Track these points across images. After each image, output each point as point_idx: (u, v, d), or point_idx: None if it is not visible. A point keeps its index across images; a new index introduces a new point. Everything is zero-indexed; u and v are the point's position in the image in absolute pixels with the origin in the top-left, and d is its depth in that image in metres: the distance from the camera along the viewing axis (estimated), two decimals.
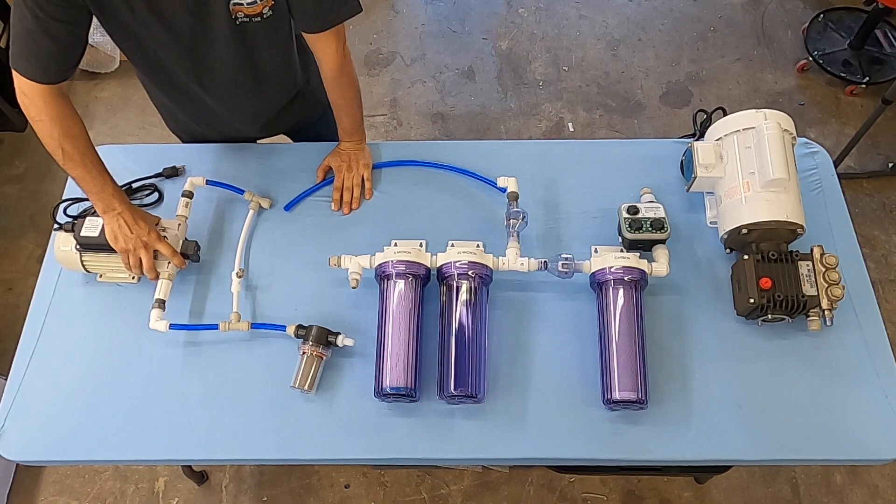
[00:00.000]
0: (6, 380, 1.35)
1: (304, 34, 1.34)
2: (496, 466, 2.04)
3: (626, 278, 1.30)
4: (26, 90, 1.22)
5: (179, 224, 1.40)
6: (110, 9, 1.19)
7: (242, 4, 1.22)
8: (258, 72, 1.41)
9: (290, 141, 1.78)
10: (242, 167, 1.58)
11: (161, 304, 1.34)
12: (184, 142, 1.70)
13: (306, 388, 1.28)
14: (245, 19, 1.25)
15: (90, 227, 1.34)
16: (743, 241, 1.35)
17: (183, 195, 1.46)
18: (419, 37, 3.11)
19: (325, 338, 1.29)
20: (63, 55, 1.20)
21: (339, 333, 1.31)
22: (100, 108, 2.90)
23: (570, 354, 1.34)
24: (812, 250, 1.32)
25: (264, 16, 1.26)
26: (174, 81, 1.40)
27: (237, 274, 1.40)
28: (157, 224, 1.37)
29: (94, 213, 1.35)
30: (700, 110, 1.59)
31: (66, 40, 1.19)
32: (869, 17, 2.77)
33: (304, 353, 1.29)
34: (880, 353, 1.33)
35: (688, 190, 1.46)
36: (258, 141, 1.70)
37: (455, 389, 1.24)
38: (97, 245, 1.34)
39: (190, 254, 1.39)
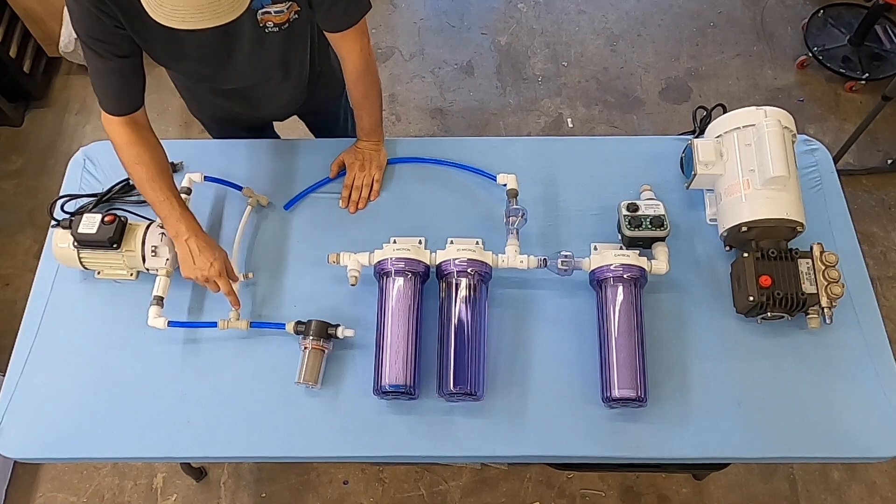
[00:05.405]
0: (4, 376, 1.34)
1: (327, 34, 1.35)
2: (495, 463, 2.04)
3: (625, 276, 1.30)
4: (104, 120, 1.34)
5: None
6: (142, 24, 1.18)
7: (270, 13, 1.23)
8: (288, 69, 1.44)
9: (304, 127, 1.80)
10: (241, 164, 1.58)
11: (159, 301, 1.34)
12: (203, 124, 1.74)
13: (311, 382, 1.27)
14: (274, 28, 1.26)
15: (87, 224, 1.34)
16: (743, 238, 1.35)
17: (181, 191, 1.45)
18: (418, 32, 3.09)
19: (324, 331, 1.29)
20: (129, 88, 1.29)
21: (339, 325, 1.31)
22: (97, 104, 2.88)
23: (570, 352, 1.34)
24: (812, 248, 1.32)
25: (291, 21, 1.27)
26: (199, 86, 1.45)
27: (244, 276, 1.40)
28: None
29: (91, 210, 1.34)
30: (700, 107, 1.58)
31: (129, 72, 1.27)
32: (869, 13, 2.76)
33: (305, 347, 1.29)
34: (879, 351, 1.33)
35: (687, 187, 1.46)
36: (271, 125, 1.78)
37: (454, 387, 1.23)
38: (94, 242, 1.34)
39: None
